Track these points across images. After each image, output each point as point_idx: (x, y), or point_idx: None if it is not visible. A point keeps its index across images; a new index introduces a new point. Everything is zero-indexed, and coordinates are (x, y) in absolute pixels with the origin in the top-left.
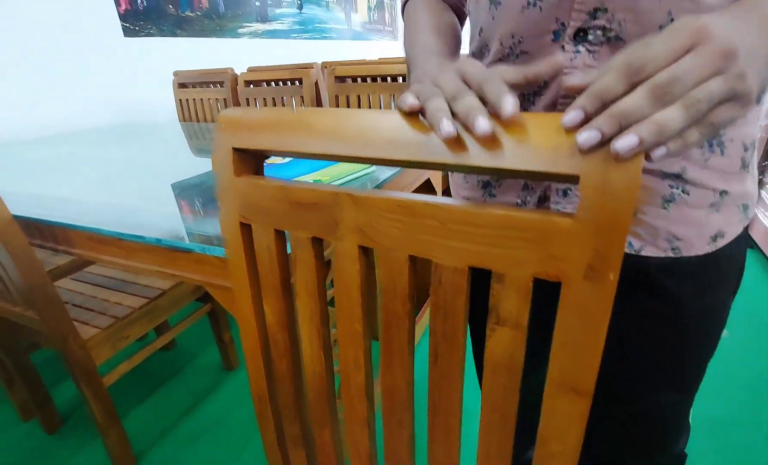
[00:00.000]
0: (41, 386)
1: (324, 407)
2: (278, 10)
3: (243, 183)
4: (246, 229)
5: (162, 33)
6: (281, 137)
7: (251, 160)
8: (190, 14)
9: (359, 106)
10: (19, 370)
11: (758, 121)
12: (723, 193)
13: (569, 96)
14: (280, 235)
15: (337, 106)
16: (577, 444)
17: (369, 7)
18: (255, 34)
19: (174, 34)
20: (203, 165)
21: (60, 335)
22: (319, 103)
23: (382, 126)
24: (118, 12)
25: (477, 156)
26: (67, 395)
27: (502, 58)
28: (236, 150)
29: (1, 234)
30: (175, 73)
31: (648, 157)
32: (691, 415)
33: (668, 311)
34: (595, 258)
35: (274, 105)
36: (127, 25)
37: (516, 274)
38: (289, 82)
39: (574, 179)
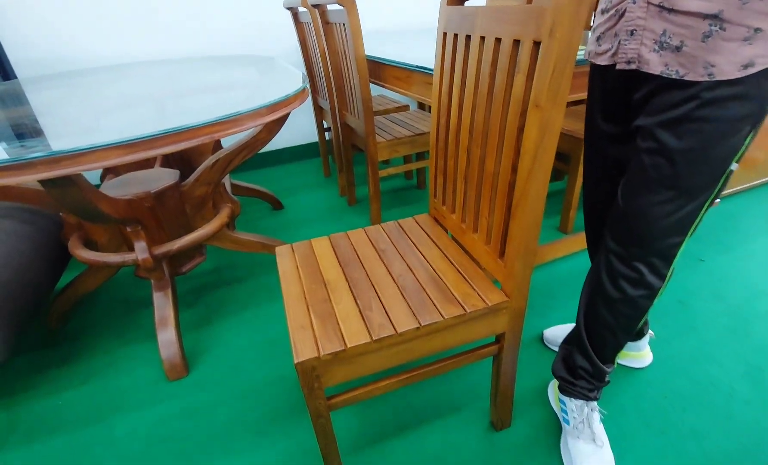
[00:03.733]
0: (352, 177)
1: (454, 144)
2: None
3: (448, 9)
4: (444, 36)
5: None
6: None
7: None
8: None
9: None
10: (346, 163)
11: None
12: (757, 29)
13: None
14: (455, 38)
15: None
16: (537, 144)
17: None
18: None
19: None
20: None
21: (368, 137)
22: None
23: None
24: None
25: None
26: (363, 192)
27: None
28: None
29: (358, 64)
30: None
31: None
32: None
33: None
34: (553, 24)
35: None
36: None
37: (527, 41)
38: None
39: None
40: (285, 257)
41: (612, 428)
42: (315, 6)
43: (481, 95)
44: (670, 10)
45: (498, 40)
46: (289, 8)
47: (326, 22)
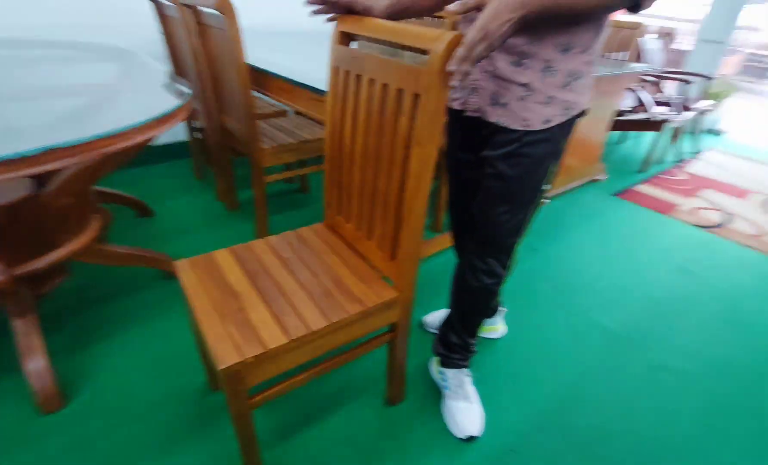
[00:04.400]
0: (232, 180)
1: (348, 161)
2: None
3: (339, 48)
4: (335, 70)
5: None
6: (358, 28)
7: (345, 39)
8: None
9: None
10: (222, 168)
11: (581, 64)
12: (551, 97)
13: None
14: (346, 73)
15: None
16: (420, 171)
17: None
18: None
19: None
20: None
21: (250, 142)
22: None
23: (389, 26)
24: None
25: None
26: (243, 196)
27: None
28: (341, 32)
29: (239, 73)
30: None
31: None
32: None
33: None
34: (429, 82)
35: None
36: None
37: (409, 91)
38: None
39: (426, 51)
40: (186, 272)
41: (480, 387)
42: (186, 5)
43: (372, 126)
44: (497, 77)
45: (385, 85)
46: None
47: (200, 22)
